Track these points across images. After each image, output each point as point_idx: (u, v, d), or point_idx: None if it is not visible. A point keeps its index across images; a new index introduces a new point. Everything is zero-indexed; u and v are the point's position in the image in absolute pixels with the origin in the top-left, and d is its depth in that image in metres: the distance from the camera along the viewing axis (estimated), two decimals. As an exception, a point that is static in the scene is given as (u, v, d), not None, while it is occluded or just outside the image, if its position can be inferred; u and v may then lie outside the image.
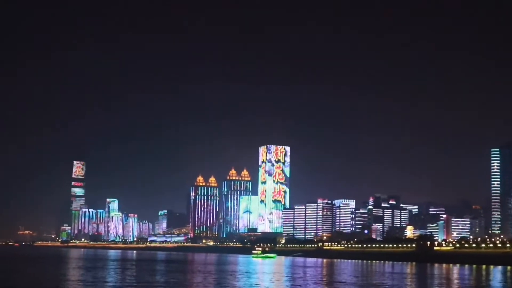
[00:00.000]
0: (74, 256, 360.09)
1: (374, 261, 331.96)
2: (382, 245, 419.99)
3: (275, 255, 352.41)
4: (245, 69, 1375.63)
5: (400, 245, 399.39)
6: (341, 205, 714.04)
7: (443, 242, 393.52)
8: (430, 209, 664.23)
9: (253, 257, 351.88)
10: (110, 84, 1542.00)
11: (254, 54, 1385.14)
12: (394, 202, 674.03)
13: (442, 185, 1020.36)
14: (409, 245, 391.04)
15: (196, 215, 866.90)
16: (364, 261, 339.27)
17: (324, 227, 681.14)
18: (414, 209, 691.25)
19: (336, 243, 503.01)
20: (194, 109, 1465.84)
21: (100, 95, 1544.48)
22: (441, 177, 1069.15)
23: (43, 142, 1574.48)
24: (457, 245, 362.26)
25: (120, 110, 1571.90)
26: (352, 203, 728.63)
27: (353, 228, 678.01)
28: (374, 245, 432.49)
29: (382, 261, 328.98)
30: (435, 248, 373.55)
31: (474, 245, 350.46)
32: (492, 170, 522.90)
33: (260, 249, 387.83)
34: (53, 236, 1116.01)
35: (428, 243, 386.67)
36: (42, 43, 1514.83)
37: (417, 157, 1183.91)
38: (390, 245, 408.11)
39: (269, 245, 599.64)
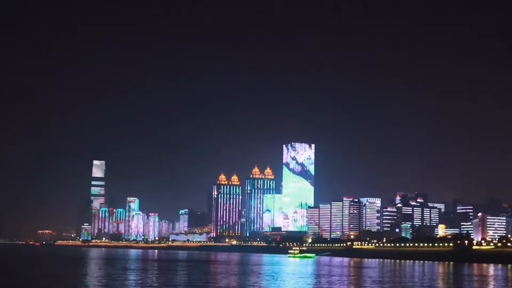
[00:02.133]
0: (105, 256, 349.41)
1: (409, 261, 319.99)
2: (416, 244, 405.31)
3: (314, 255, 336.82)
4: (270, 63, 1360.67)
5: (436, 245, 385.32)
6: (367, 203, 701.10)
7: (483, 241, 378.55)
8: (458, 208, 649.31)
9: (289, 256, 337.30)
10: (127, 80, 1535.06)
11: (281, 50, 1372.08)
12: (422, 200, 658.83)
13: (469, 182, 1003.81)
14: (445, 244, 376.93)
15: (219, 214, 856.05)
16: (400, 261, 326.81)
17: (351, 225, 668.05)
18: (441, 207, 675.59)
19: (365, 242, 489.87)
20: (216, 106, 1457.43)
21: (117, 93, 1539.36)
22: (467, 174, 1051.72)
23: (62, 142, 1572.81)
24: (499, 244, 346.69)
25: (142, 110, 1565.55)
26: (377, 201, 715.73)
27: (379, 227, 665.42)
28: (407, 245, 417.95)
29: (418, 261, 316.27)
30: (474, 247, 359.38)
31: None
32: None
33: (298, 248, 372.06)
34: (73, 236, 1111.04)
35: (466, 242, 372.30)
36: (63, 35, 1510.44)
37: (443, 154, 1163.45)
38: (425, 244, 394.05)
39: (295, 244, 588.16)
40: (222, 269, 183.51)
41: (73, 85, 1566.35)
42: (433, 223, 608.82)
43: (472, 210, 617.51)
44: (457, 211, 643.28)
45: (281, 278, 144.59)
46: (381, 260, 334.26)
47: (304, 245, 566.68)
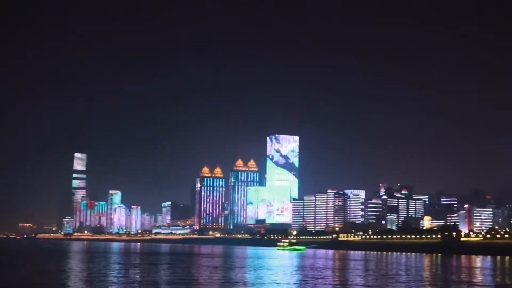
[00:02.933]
0: (87, 249, 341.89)
1: (396, 253, 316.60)
2: (403, 236, 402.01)
3: (304, 247, 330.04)
4: (252, 54, 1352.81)
5: (423, 236, 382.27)
6: (351, 195, 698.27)
7: (471, 233, 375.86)
8: (442, 199, 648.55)
9: (278, 249, 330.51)
10: (110, 73, 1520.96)
11: (264, 38, 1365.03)
12: (407, 192, 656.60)
13: (452, 175, 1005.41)
14: (433, 236, 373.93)
15: (202, 207, 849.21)
16: (387, 253, 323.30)
17: (336, 218, 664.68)
18: (425, 199, 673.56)
19: (351, 235, 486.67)
20: (198, 100, 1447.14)
21: (99, 85, 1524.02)
22: (450, 166, 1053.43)
23: (43, 134, 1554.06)
24: (488, 236, 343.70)
25: (123, 101, 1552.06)
26: (362, 193, 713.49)
27: (363, 219, 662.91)
28: (394, 236, 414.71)
29: (405, 253, 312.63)
30: (462, 239, 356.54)
31: (507, 236, 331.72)
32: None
33: (287, 241, 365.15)
34: (54, 229, 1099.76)
35: (454, 234, 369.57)
36: (39, 31, 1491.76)
37: (426, 146, 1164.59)
38: (413, 236, 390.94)
39: (280, 237, 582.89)
40: (217, 263, 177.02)
41: (54, 78, 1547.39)
42: (418, 215, 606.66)
43: (456, 202, 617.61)
44: (441, 203, 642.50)
45: (288, 272, 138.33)
46: (368, 252, 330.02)
47: (289, 237, 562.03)
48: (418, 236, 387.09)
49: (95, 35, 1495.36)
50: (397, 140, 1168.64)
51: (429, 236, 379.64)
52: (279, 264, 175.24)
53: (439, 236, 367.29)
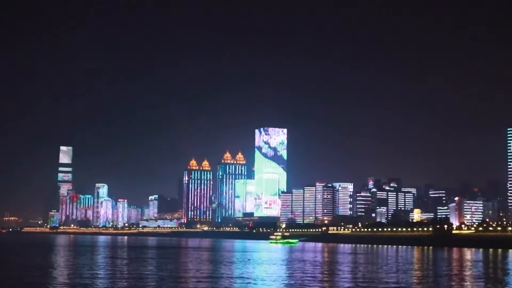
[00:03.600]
0: (74, 243, 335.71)
1: (387, 246, 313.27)
2: (394, 229, 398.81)
3: (297, 240, 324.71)
4: (239, 46, 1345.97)
5: (415, 229, 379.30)
6: (340, 188, 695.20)
7: (463, 226, 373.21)
8: (430, 192, 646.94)
9: (271, 242, 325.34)
10: (96, 65, 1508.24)
11: (248, 31, 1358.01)
12: (395, 185, 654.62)
13: (438, 168, 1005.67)
14: (424, 229, 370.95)
15: (189, 200, 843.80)
16: (378, 246, 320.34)
17: (325, 210, 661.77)
18: (413, 191, 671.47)
19: (341, 228, 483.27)
20: (185, 91, 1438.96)
21: (84, 77, 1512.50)
22: (436, 160, 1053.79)
23: (28, 128, 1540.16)
24: (480, 228, 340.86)
25: (108, 93, 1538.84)
26: (350, 186, 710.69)
27: (352, 212, 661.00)
28: (385, 229, 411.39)
29: (396, 246, 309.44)
30: (454, 231, 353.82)
31: (499, 228, 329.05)
32: (508, 151, 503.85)
33: (280, 234, 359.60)
34: (39, 222, 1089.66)
35: (445, 226, 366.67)
36: (24, 24, 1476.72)
37: (412, 139, 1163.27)
38: (404, 229, 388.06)
39: (269, 230, 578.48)
40: (219, 258, 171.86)
41: (39, 70, 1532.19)
42: (407, 207, 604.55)
43: (444, 195, 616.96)
44: (430, 195, 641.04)
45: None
46: (360, 245, 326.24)
47: (280, 230, 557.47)
48: (409, 229, 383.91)
49: (80, 28, 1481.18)
50: (383, 134, 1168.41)
51: (420, 229, 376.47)
52: (287, 258, 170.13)
53: (430, 228, 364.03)
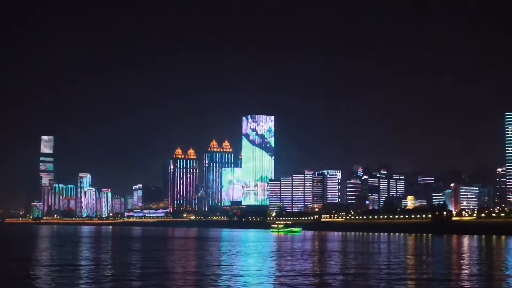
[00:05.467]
0: (59, 233, 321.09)
1: (383, 234, 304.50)
2: (391, 216, 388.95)
3: (300, 229, 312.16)
4: (226, 35, 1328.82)
5: (412, 216, 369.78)
6: (328, 175, 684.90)
7: (463, 212, 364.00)
8: (419, 179, 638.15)
9: (272, 231, 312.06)
10: (80, 56, 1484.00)
11: (236, 19, 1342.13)
12: (386, 172, 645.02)
13: (424, 154, 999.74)
14: (423, 216, 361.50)
15: (175, 189, 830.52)
16: (374, 233, 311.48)
17: (315, 198, 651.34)
18: (403, 178, 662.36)
19: (333, 215, 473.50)
20: (169, 78, 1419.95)
21: (68, 68, 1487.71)
22: (421, 146, 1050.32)
23: (9, 117, 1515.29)
24: (482, 214, 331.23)
25: (92, 83, 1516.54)
26: (338, 174, 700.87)
27: (340, 200, 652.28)
28: (381, 217, 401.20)
29: (395, 234, 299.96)
30: (454, 218, 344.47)
31: (502, 214, 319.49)
32: (507, 135, 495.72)
33: (282, 222, 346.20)
34: (21, 213, 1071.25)
35: (444, 213, 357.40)
36: (14, 15, 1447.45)
37: (396, 127, 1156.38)
38: (401, 216, 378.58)
39: (259, 218, 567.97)
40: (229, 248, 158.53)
41: (20, 60, 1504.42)
42: (399, 194, 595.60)
43: (433, 181, 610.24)
44: (419, 182, 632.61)
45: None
46: (357, 233, 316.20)
47: (268, 219, 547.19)
48: (406, 216, 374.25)
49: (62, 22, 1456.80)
50: (364, 121, 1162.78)
51: (418, 216, 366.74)
52: (309, 248, 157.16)
53: (429, 215, 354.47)
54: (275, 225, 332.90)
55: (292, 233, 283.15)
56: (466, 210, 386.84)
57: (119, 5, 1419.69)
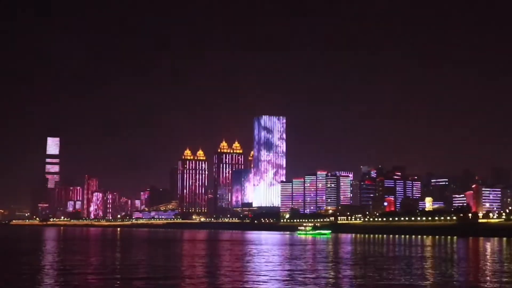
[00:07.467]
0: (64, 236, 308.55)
1: (410, 236, 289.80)
2: (413, 218, 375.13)
3: (330, 231, 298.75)
4: (237, 35, 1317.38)
5: (436, 218, 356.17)
6: (340, 177, 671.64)
7: (490, 214, 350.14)
8: (432, 181, 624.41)
9: (299, 234, 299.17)
10: (85, 58, 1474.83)
11: (245, 20, 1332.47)
12: (400, 173, 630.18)
13: (436, 156, 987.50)
14: (447, 218, 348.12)
15: (184, 190, 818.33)
16: (396, 236, 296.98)
17: (328, 200, 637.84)
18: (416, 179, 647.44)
19: (349, 217, 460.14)
20: (180, 81, 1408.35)
21: (74, 69, 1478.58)
22: (433, 148, 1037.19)
23: (15, 119, 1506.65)
24: (511, 216, 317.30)
25: (99, 85, 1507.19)
26: (350, 175, 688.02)
27: (352, 201, 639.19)
28: (401, 219, 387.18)
29: (415, 236, 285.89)
30: (480, 220, 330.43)
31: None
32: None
33: (311, 224, 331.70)
34: (26, 215, 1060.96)
35: (469, 215, 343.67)
36: (20, 17, 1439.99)
37: (413, 128, 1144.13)
38: (424, 218, 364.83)
39: (271, 220, 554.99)
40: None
41: (25, 60, 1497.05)
42: (415, 196, 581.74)
43: (447, 183, 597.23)
44: (432, 184, 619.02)
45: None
46: (377, 236, 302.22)
47: (282, 221, 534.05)
48: (429, 218, 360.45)
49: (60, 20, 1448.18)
50: (384, 122, 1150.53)
51: (442, 218, 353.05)
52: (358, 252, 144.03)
53: (453, 218, 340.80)
54: (303, 227, 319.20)
55: (321, 236, 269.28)
56: (492, 211, 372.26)
57: (121, 3, 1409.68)
